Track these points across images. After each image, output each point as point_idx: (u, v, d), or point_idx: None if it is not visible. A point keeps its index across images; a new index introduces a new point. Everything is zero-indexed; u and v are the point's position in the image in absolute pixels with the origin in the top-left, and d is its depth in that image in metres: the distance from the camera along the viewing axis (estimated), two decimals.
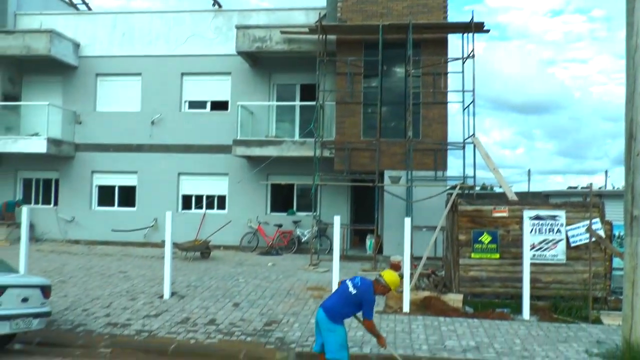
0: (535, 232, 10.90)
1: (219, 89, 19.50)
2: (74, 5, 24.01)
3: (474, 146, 15.21)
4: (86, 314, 10.11)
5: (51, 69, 20.16)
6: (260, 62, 19.01)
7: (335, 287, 10.03)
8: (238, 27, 18.01)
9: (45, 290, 8.67)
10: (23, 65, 20.70)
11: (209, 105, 19.77)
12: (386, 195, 16.64)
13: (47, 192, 20.72)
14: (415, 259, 13.15)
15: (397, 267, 13.45)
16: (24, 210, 11.53)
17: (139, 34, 19.97)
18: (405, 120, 16.67)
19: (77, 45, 20.23)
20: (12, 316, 7.88)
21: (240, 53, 18.21)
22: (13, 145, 19.01)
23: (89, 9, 23.98)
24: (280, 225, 18.32)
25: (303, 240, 17.99)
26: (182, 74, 19.64)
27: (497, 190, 26.04)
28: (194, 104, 19.82)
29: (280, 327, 9.32)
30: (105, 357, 8.28)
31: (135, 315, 10.00)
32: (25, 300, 8.14)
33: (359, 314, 6.88)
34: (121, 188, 20.11)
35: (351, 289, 6.72)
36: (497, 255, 11.07)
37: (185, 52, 19.56)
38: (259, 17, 19.03)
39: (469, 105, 16.27)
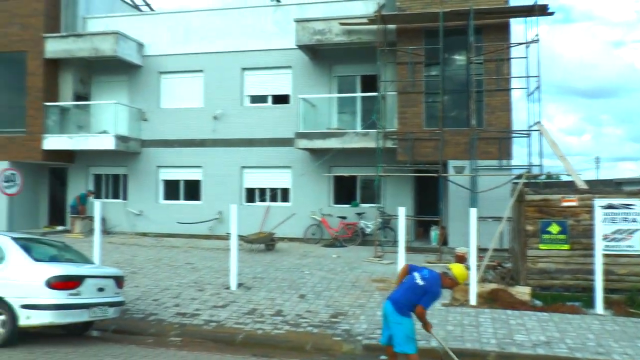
0: (608, 221, 10.46)
1: (280, 82, 19.62)
2: (137, 7, 24.66)
3: (540, 133, 14.76)
4: (157, 303, 10.41)
5: (117, 69, 20.81)
6: (320, 54, 19.02)
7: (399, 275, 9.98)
8: (297, 21, 18.06)
9: (119, 281, 9.00)
10: (92, 67, 21.44)
11: (270, 99, 19.92)
12: (450, 185, 16.38)
13: (116, 187, 21.45)
14: (480, 251, 12.89)
15: (462, 258, 13.23)
16: (97, 204, 11.97)
17: (200, 32, 20.32)
18: (468, 109, 16.33)
19: (141, 45, 20.78)
20: (90, 305, 8.23)
21: (300, 46, 18.27)
22: (84, 143, 19.77)
23: (152, 9, 24.60)
24: (344, 217, 18.33)
25: (367, 232, 17.92)
26: (243, 69, 19.87)
27: (564, 178, 25.21)
28: (255, 99, 20.03)
29: (347, 319, 9.33)
30: (176, 345, 8.50)
31: (204, 305, 10.22)
32: (101, 290, 8.48)
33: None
34: (186, 182, 20.57)
35: (418, 280, 6.65)
36: (567, 246, 10.70)
37: (245, 47, 19.78)
38: (317, 10, 19.01)
39: (534, 91, 15.76)
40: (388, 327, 6.74)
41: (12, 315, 7.85)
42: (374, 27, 16.99)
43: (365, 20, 17.21)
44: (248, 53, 19.73)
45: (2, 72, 20.96)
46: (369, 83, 18.65)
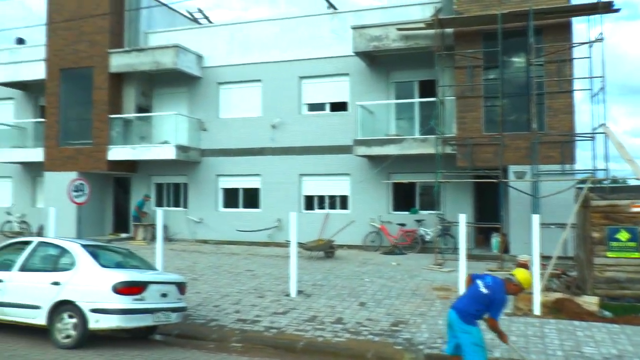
0: None
1: (337, 90, 19.68)
2: (196, 20, 25.26)
3: (605, 136, 14.23)
4: (217, 309, 10.56)
5: (177, 80, 21.36)
6: (378, 60, 18.98)
7: (461, 286, 9.81)
8: (354, 28, 18.09)
9: (181, 287, 9.20)
10: (153, 79, 22.09)
11: (328, 106, 20.00)
12: (511, 191, 16.01)
13: (177, 195, 21.97)
14: (543, 259, 12.52)
15: (524, 266, 12.84)
16: (159, 212, 12.28)
17: (257, 42, 20.63)
18: (528, 112, 15.93)
19: (200, 57, 21.26)
20: (154, 310, 8.45)
21: (357, 53, 18.29)
22: (147, 153, 20.36)
23: (210, 22, 25.10)
24: (403, 224, 18.17)
25: (427, 239, 17.71)
26: (301, 78, 20.04)
27: (632, 182, 24.19)
28: (313, 107, 20.15)
29: (408, 328, 9.22)
30: (237, 351, 8.59)
31: (264, 312, 10.30)
32: (164, 295, 8.69)
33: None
34: (245, 190, 20.86)
35: (482, 289, 6.51)
36: (638, 254, 10.27)
37: (302, 56, 19.95)
38: (374, 16, 18.99)
39: (598, 92, 15.18)
40: (454, 336, 6.61)
41: (83, 319, 8.17)
42: (432, 31, 16.84)
43: (422, 25, 17.09)
44: (305, 61, 19.89)
45: (71, 87, 21.92)
46: (427, 88, 18.49)
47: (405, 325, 9.35)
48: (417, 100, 18.70)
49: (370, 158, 18.64)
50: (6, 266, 9.21)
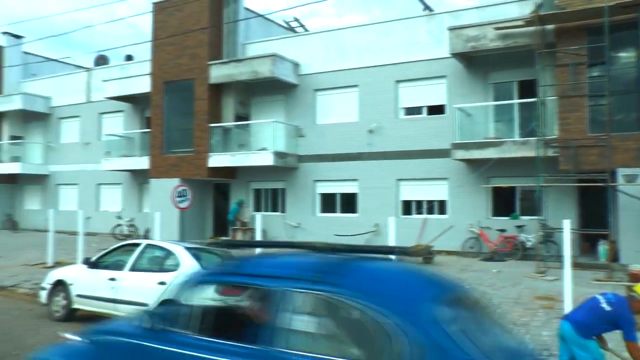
0: None
1: (434, 93, 19.39)
2: (292, 29, 25.74)
3: None
4: None
5: (274, 89, 21.84)
6: (475, 61, 18.54)
7: (566, 297, 9.35)
8: (450, 29, 17.77)
9: None
10: (251, 88, 22.72)
11: (425, 110, 19.76)
12: (620, 196, 15.09)
13: (274, 201, 22.43)
14: None
15: (636, 277, 12.10)
16: (257, 216, 12.60)
17: (353, 48, 20.72)
18: (639, 110, 14.98)
19: (296, 65, 21.63)
20: None
21: (454, 55, 17.96)
22: (245, 160, 20.95)
23: (306, 30, 25.49)
24: (503, 230, 17.59)
25: (528, 246, 17.03)
26: (397, 82, 19.91)
27: None
28: (410, 110, 19.97)
29: None
30: None
31: None
32: None
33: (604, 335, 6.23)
34: (342, 195, 20.96)
35: (604, 305, 6.02)
36: None
37: (398, 59, 19.83)
38: (470, 16, 18.58)
39: None
40: (567, 350, 6.21)
41: None
42: (531, 28, 16.22)
43: (521, 23, 16.49)
44: (401, 65, 19.75)
45: (174, 99, 23.03)
46: (527, 88, 17.81)
47: None
48: (516, 101, 18.06)
49: (469, 162, 18.21)
50: (119, 266, 9.89)
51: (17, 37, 31.74)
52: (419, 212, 19.51)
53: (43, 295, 11.01)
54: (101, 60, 30.64)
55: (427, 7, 20.22)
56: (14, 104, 29.28)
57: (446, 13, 19.29)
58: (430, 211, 19.31)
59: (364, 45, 20.51)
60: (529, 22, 16.17)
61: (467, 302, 4.49)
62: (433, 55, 19.20)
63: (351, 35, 20.85)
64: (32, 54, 32.90)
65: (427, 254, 16.28)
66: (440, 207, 19.26)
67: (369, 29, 20.61)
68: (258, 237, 12.60)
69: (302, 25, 26.00)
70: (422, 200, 19.49)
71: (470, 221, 18.26)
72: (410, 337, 3.46)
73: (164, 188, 21.95)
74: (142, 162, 23.94)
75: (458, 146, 17.55)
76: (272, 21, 25.20)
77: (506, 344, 4.33)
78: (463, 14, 18.87)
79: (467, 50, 17.60)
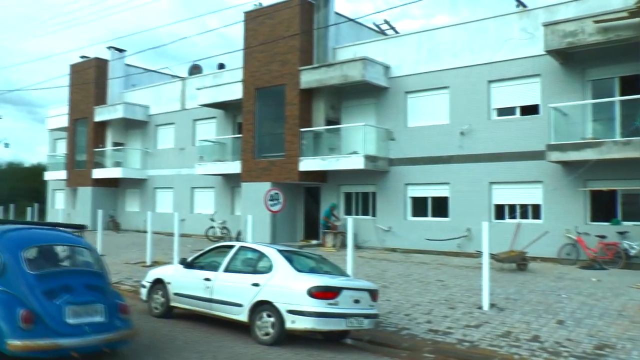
0: None
1: (528, 92, 18.68)
2: (383, 32, 25.63)
3: None
4: (408, 318, 10.52)
5: (365, 92, 21.80)
6: (572, 58, 17.68)
7: None
8: (545, 25, 17.06)
9: (373, 294, 9.31)
10: (341, 93, 22.78)
11: (518, 110, 19.09)
12: None
13: (365, 204, 22.36)
14: None
15: None
16: (349, 220, 12.59)
17: (444, 48, 20.34)
18: None
19: (386, 68, 21.49)
20: (347, 315, 8.69)
21: (549, 52, 17.21)
22: (336, 164, 21.02)
23: (396, 32, 25.30)
24: (602, 237, 16.63)
25: (631, 253, 16.00)
26: (489, 82, 19.35)
27: None
28: (502, 111, 19.35)
29: (615, 353, 8.41)
30: None
31: (456, 324, 10.06)
32: (357, 301, 8.88)
33: None
34: (433, 199, 20.61)
35: None
36: None
37: (490, 59, 19.27)
38: (567, 10, 17.74)
39: None
40: None
41: (280, 319, 8.67)
42: (636, 20, 15.25)
43: (624, 14, 15.53)
44: (494, 64, 19.17)
45: (265, 105, 23.54)
46: (630, 85, 16.79)
47: (611, 350, 8.53)
48: (618, 98, 16.99)
49: (565, 164, 17.38)
50: (213, 267, 10.18)
51: (120, 50, 33.60)
52: (512, 216, 18.83)
53: (143, 293, 11.52)
54: (195, 70, 31.77)
55: (520, 3, 19.51)
56: (117, 113, 31.06)
57: (541, 8, 18.51)
58: (523, 216, 18.59)
59: (455, 45, 20.09)
60: (632, 14, 15.22)
61: (57, 248, 7.90)
62: (526, 54, 18.51)
63: (442, 36, 20.48)
64: (133, 66, 34.70)
65: (521, 260, 15.69)
66: (534, 211, 18.49)
67: (460, 28, 20.17)
68: (350, 240, 12.59)
69: (392, 28, 25.83)
70: (515, 204, 18.80)
71: (567, 226, 17.41)
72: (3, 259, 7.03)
73: (255, 192, 22.45)
74: (234, 167, 24.58)
75: (553, 147, 16.79)
76: (362, 24, 25.19)
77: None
78: (559, 8, 18.05)
79: (563, 47, 16.81)
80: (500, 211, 19.12)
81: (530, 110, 18.71)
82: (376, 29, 25.75)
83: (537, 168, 18.06)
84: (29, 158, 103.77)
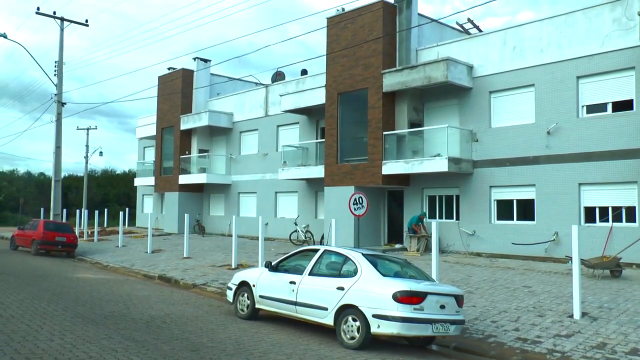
0: None
1: (621, 87, 17.74)
2: (466, 31, 25.15)
3: None
4: (495, 325, 10.28)
5: (447, 93, 21.49)
6: None
7: None
8: None
9: (459, 299, 9.17)
10: (424, 94, 22.55)
11: (609, 107, 18.21)
12: None
13: (449, 207, 22.00)
14: None
15: None
16: (433, 224, 12.45)
17: (529, 45, 19.72)
18: None
19: (470, 68, 21.08)
20: (432, 320, 8.60)
21: None
22: (419, 167, 20.82)
23: (480, 31, 24.78)
24: None
25: None
26: (578, 78, 18.55)
27: None
28: (592, 108, 18.51)
29: None
30: None
31: (545, 333, 9.75)
32: (442, 307, 8.77)
33: None
34: (519, 201, 20.00)
35: None
36: None
37: (579, 53, 18.47)
38: None
39: None
40: None
41: (365, 323, 8.69)
42: None
43: None
44: (583, 59, 18.36)
45: (348, 109, 23.69)
46: None
47: None
48: None
49: None
50: (298, 270, 10.35)
51: (205, 61, 34.80)
52: (604, 219, 17.95)
53: (229, 295, 11.84)
54: (278, 77, 32.37)
55: None
56: (202, 121, 32.12)
57: None
58: (617, 218, 17.69)
59: (542, 41, 19.41)
60: None
61: None
62: (619, 46, 17.59)
63: (527, 32, 19.83)
64: (217, 75, 35.83)
65: (615, 266, 14.94)
66: (628, 214, 17.56)
67: (546, 23, 19.43)
68: (435, 245, 12.45)
69: (476, 26, 25.30)
70: (608, 207, 17.93)
71: None
72: None
73: (338, 195, 22.58)
74: (317, 171, 24.82)
75: None
76: (445, 25, 24.82)
77: None
78: None
79: None
80: (590, 214, 18.29)
81: (623, 106, 17.79)
82: (459, 28, 25.31)
83: (631, 167, 17.19)
84: (120, 165, 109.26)
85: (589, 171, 18.10)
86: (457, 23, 25.51)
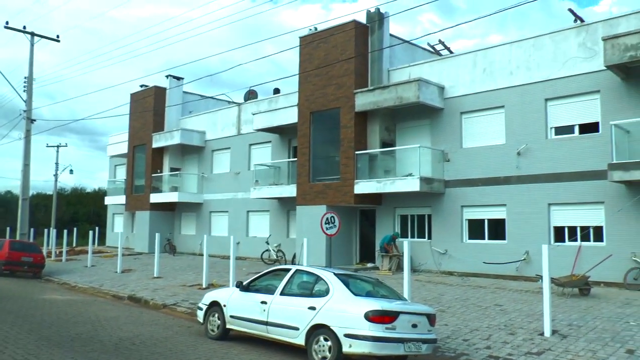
0: None
1: (586, 110, 18.18)
2: (438, 52, 25.51)
3: None
4: (467, 344, 10.29)
5: (419, 113, 21.70)
6: (634, 72, 17.06)
7: None
8: (605, 39, 16.59)
9: (431, 318, 9.17)
10: (396, 114, 22.75)
11: (576, 129, 18.58)
12: None
13: (421, 226, 22.10)
14: None
15: None
16: (405, 243, 12.47)
17: (499, 67, 20.08)
18: None
19: (441, 89, 21.35)
20: (405, 339, 8.57)
21: (609, 67, 16.72)
22: (391, 186, 20.91)
23: (451, 52, 25.15)
24: None
25: None
26: (546, 100, 18.93)
27: None
28: (560, 130, 18.88)
29: None
30: None
31: (516, 350, 9.79)
32: (414, 326, 8.75)
33: None
34: (490, 221, 20.20)
35: None
36: None
37: (547, 76, 18.88)
38: (629, 23, 17.19)
39: None
40: None
41: (337, 343, 8.62)
42: None
43: None
44: (551, 82, 18.76)
45: (320, 128, 23.76)
46: None
47: None
48: None
49: (629, 184, 16.77)
50: (269, 290, 10.26)
51: (178, 78, 34.71)
52: (573, 239, 18.22)
53: (200, 315, 11.69)
54: (251, 95, 32.33)
55: (578, 18, 19.09)
56: (175, 139, 31.94)
57: (600, 22, 18.02)
58: (585, 238, 17.96)
59: (511, 63, 19.80)
60: None
61: None
62: (585, 69, 18.06)
63: (497, 54, 20.22)
64: (190, 93, 35.71)
65: (583, 284, 15.12)
66: (596, 233, 17.86)
67: (515, 46, 19.83)
68: (406, 264, 12.45)
69: (447, 48, 25.67)
70: (576, 226, 18.21)
71: (633, 249, 16.71)
72: None
73: (310, 215, 22.53)
74: (289, 190, 24.77)
75: (615, 167, 16.23)
76: (416, 45, 25.14)
77: None
78: (619, 21, 17.54)
79: (625, 61, 16.27)
80: (560, 233, 18.56)
81: (589, 128, 18.21)
82: (431, 49, 25.66)
83: (598, 188, 17.51)
84: (91, 184, 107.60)
85: (558, 191, 18.39)
86: (429, 44, 25.87)
